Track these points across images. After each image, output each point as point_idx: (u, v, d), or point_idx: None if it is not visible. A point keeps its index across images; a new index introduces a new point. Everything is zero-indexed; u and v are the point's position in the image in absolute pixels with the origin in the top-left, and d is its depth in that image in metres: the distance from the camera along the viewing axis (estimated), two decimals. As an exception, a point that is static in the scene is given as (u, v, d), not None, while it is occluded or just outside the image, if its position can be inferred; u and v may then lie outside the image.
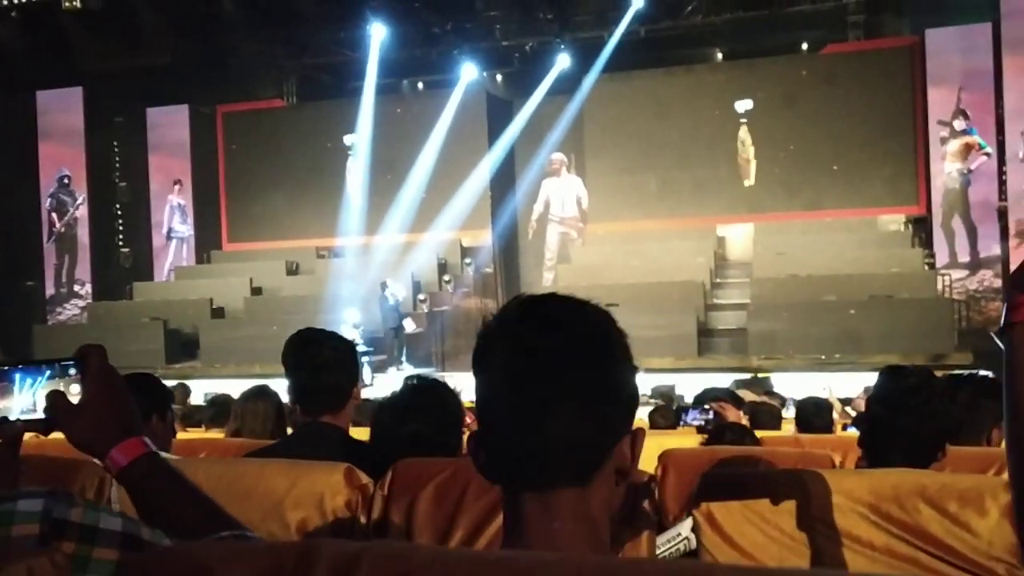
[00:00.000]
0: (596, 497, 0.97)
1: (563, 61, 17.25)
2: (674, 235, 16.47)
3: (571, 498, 0.95)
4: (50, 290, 18.85)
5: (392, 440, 2.26)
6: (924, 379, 2.28)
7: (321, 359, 2.50)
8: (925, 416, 2.17)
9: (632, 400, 1.00)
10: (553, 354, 0.95)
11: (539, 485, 0.96)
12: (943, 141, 15.25)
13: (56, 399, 1.15)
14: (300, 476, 1.79)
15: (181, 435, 4.52)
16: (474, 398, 1.00)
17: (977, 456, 2.54)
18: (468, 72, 17.48)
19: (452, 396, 2.42)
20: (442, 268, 16.99)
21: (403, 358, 14.45)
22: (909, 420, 2.16)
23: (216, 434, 4.65)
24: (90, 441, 1.14)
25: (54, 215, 18.78)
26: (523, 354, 0.95)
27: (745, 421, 4.92)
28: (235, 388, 5.56)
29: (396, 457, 1.93)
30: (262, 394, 4.17)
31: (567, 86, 17.28)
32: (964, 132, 15.14)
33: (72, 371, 1.17)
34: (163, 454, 2.36)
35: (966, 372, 3.46)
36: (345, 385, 2.54)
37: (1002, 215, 14.85)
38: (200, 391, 9.33)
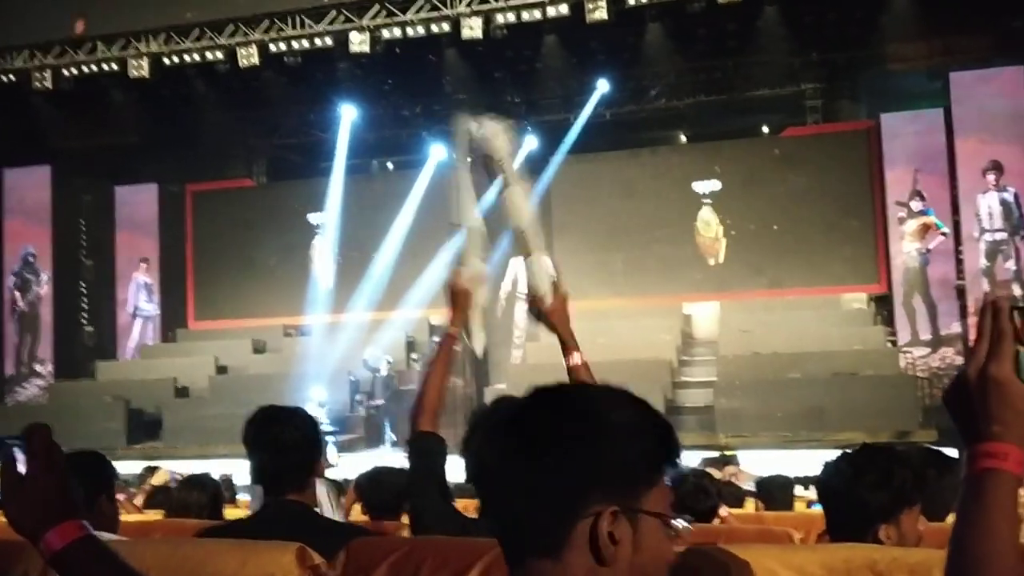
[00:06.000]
0: (575, 569, 1.01)
1: (530, 143, 17.56)
2: (641, 313, 16.58)
3: (545, 569, 1.01)
4: (10, 369, 18.50)
5: None
6: (876, 452, 2.32)
7: (284, 440, 2.46)
8: (879, 488, 2.22)
9: (576, 481, 1.02)
10: (501, 448, 1.04)
11: (516, 557, 1.04)
12: (901, 221, 15.62)
13: (5, 472, 1.13)
14: (250, 556, 1.76)
15: (138, 516, 4.42)
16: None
17: (935, 531, 2.56)
18: (437, 152, 17.73)
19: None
20: (410, 346, 16.94)
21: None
22: (865, 493, 2.21)
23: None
24: (25, 522, 1.12)
25: (17, 293, 18.56)
26: (478, 449, 1.07)
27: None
28: (198, 469, 5.47)
29: None
30: (197, 483, 4.00)
31: (534, 166, 17.51)
32: (921, 212, 15.53)
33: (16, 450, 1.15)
34: (110, 535, 2.32)
35: (933, 447, 3.48)
36: (309, 463, 2.52)
37: (961, 293, 15.14)
38: (161, 474, 9.11)
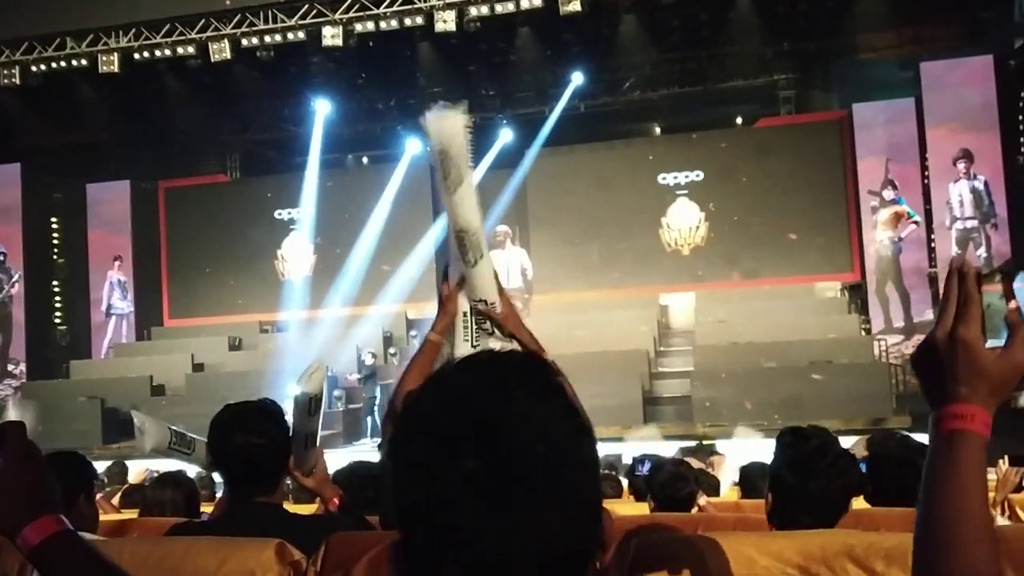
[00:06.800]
0: None
1: (505, 136, 17.58)
2: (617, 305, 16.62)
3: None
4: (-18, 370, 18.32)
5: None
6: (826, 440, 2.30)
7: (252, 447, 2.32)
8: (834, 476, 2.22)
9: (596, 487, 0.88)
10: (495, 463, 0.80)
11: None
12: (874, 210, 15.76)
13: None
14: (230, 554, 1.75)
15: (115, 515, 4.39)
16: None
17: (908, 516, 2.59)
18: (412, 146, 17.69)
19: None
20: (388, 341, 16.89)
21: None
22: (819, 482, 2.20)
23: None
24: (1, 517, 1.11)
25: (-12, 293, 18.35)
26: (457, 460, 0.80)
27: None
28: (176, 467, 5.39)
29: None
30: (171, 481, 3.85)
31: (510, 160, 17.56)
32: (893, 201, 15.68)
33: None
34: (90, 536, 2.30)
35: (908, 434, 3.51)
36: (280, 464, 2.43)
37: (933, 281, 15.30)
38: (138, 471, 9.04)
